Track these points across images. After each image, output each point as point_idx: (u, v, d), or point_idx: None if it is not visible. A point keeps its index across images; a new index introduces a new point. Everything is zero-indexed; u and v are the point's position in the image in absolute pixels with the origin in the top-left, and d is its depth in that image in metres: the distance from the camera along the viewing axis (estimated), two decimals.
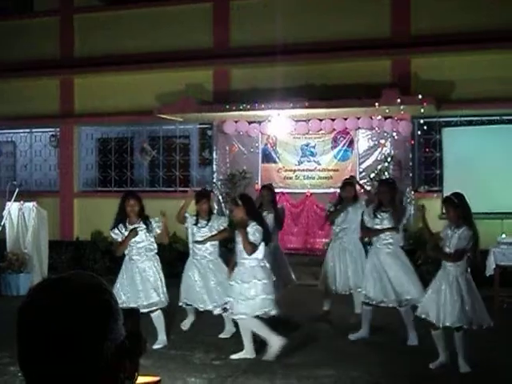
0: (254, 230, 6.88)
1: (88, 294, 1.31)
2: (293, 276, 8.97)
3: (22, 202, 11.65)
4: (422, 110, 11.54)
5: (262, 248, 7.00)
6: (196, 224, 7.94)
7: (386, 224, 7.67)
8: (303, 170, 12.97)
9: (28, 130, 15.22)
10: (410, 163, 12.38)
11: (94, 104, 14.16)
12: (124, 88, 13.91)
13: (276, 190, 12.67)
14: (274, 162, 13.18)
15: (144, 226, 7.47)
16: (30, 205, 11.48)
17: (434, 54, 12.12)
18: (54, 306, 1.27)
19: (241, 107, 12.10)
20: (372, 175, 12.34)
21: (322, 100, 11.76)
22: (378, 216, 7.71)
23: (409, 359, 6.91)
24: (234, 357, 7.01)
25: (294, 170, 13.02)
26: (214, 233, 7.93)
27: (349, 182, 8.76)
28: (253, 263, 6.99)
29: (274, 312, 7.01)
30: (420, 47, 12.12)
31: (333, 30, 12.60)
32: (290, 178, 13.09)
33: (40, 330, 1.26)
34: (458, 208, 6.61)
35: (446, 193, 11.87)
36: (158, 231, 7.53)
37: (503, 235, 9.99)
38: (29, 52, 14.47)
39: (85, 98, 14.39)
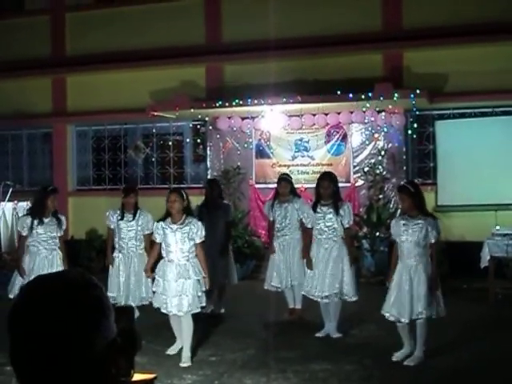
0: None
1: (78, 291, 1.31)
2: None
3: (15, 201, 11.63)
4: (414, 102, 11.51)
5: None
6: (122, 219, 8.00)
7: (330, 217, 7.55)
8: (297, 165, 12.97)
9: (21, 129, 15.17)
10: (404, 156, 12.40)
11: (87, 102, 14.13)
12: (117, 86, 13.88)
13: (270, 186, 12.85)
14: (268, 157, 13.18)
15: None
16: (24, 204, 11.45)
17: (426, 47, 12.12)
18: (44, 302, 1.28)
19: (234, 103, 12.10)
20: (366, 169, 12.37)
21: (315, 95, 11.77)
22: (319, 210, 7.59)
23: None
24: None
25: (288, 165, 13.00)
26: (140, 228, 8.00)
27: (284, 178, 8.71)
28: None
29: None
30: (412, 40, 12.11)
31: (324, 25, 12.59)
32: None
33: (30, 326, 1.27)
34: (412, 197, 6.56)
35: (440, 185, 11.99)
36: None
37: (497, 227, 10.01)
38: (20, 51, 14.41)
39: (77, 97, 14.36)
